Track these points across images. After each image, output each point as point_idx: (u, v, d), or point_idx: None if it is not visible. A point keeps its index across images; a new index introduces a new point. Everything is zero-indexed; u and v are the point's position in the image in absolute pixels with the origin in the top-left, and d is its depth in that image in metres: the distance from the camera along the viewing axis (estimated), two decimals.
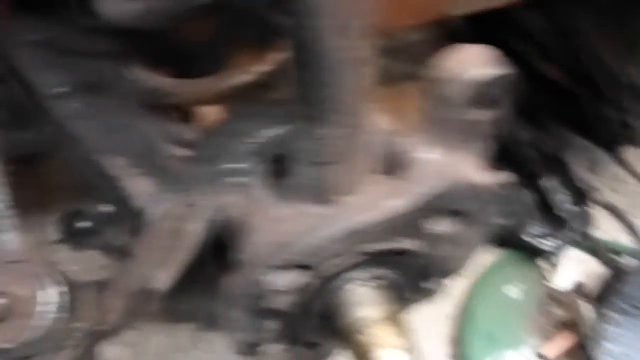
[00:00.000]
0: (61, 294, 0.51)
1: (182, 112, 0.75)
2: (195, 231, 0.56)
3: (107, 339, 0.60)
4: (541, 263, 1.22)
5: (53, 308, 0.50)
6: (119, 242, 0.73)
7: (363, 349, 0.50)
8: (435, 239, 0.52)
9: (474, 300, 1.23)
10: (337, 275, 0.50)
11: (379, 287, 0.53)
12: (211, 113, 0.63)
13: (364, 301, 0.52)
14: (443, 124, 0.49)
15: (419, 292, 0.59)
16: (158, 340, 1.24)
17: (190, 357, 1.22)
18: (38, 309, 0.49)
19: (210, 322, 0.72)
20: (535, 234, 1.19)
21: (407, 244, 0.51)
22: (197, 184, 0.55)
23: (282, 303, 0.47)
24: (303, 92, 0.42)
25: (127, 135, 0.79)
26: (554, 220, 1.19)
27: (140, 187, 0.72)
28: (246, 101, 0.59)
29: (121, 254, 0.72)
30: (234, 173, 0.53)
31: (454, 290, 1.29)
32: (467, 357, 1.18)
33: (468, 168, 0.50)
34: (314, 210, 0.48)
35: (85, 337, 0.55)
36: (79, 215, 0.71)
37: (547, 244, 1.19)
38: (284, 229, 0.47)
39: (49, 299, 0.50)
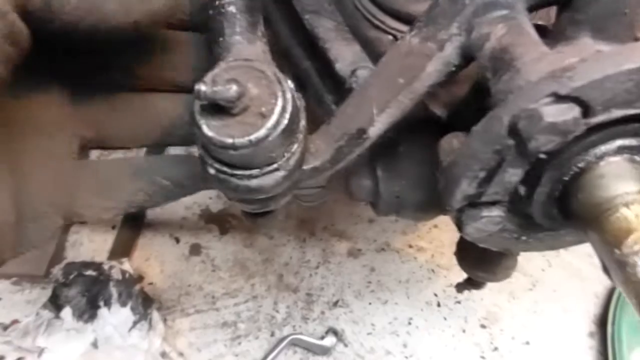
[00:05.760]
0: (295, 103, 0.48)
1: None
2: (431, 73, 0.51)
3: (304, 181, 0.57)
4: None
5: (286, 115, 0.47)
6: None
7: (619, 231, 0.42)
8: None
9: None
10: (606, 128, 0.43)
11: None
12: None
13: (624, 175, 0.44)
14: None
15: None
16: (289, 252, 1.23)
17: (318, 274, 1.20)
18: (275, 110, 0.46)
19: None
20: None
21: None
22: (441, 21, 0.50)
23: (542, 144, 0.41)
24: None
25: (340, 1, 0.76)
26: None
27: (344, 53, 0.69)
28: None
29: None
30: (490, 6, 0.47)
31: None
32: (613, 338, 1.06)
33: None
34: (603, 47, 0.41)
35: (297, 163, 0.52)
36: None
37: None
38: (563, 60, 0.41)
39: (286, 104, 0.47)
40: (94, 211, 0.57)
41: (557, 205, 0.48)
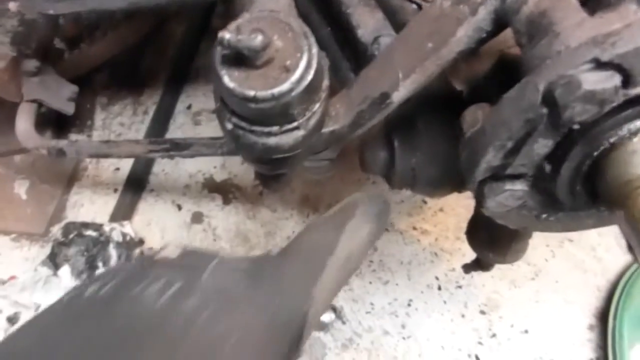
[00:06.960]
0: (320, 60, 0.47)
1: None
2: (461, 39, 0.49)
3: (322, 145, 0.55)
4: None
5: (311, 71, 0.45)
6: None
7: None
8: None
9: (633, 275, 1.11)
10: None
11: None
12: None
13: None
14: None
15: None
16: (292, 226, 1.22)
17: None
18: (300, 64, 0.44)
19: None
20: None
21: None
22: None
23: (577, 114, 0.40)
24: None
25: None
26: None
27: (366, 20, 0.68)
28: None
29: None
30: None
31: (610, 262, 1.17)
32: (614, 332, 1.06)
33: None
34: None
35: (317, 124, 0.50)
36: None
37: None
38: (606, 26, 0.39)
39: (311, 59, 0.45)
40: None
41: (583, 182, 0.47)
